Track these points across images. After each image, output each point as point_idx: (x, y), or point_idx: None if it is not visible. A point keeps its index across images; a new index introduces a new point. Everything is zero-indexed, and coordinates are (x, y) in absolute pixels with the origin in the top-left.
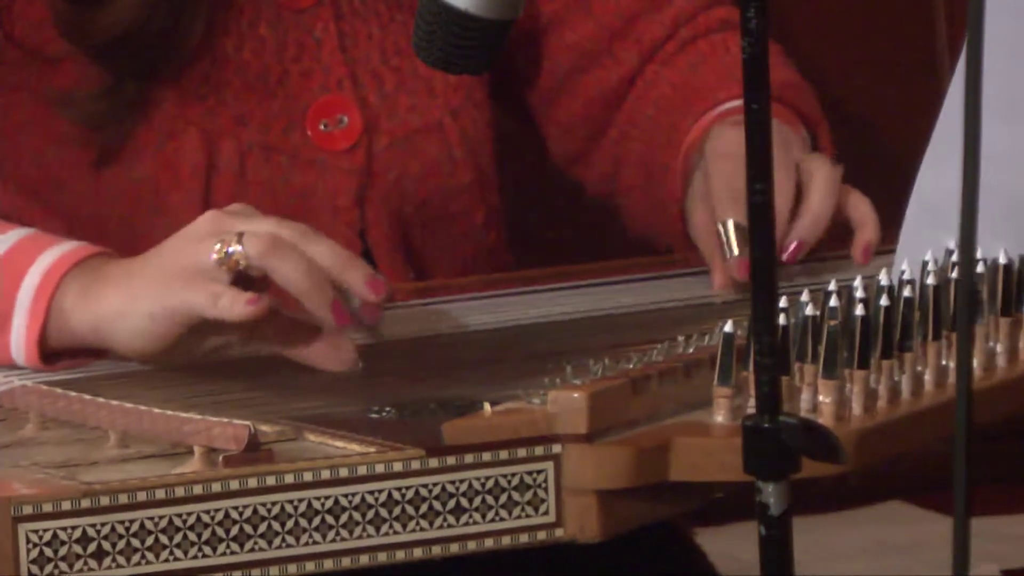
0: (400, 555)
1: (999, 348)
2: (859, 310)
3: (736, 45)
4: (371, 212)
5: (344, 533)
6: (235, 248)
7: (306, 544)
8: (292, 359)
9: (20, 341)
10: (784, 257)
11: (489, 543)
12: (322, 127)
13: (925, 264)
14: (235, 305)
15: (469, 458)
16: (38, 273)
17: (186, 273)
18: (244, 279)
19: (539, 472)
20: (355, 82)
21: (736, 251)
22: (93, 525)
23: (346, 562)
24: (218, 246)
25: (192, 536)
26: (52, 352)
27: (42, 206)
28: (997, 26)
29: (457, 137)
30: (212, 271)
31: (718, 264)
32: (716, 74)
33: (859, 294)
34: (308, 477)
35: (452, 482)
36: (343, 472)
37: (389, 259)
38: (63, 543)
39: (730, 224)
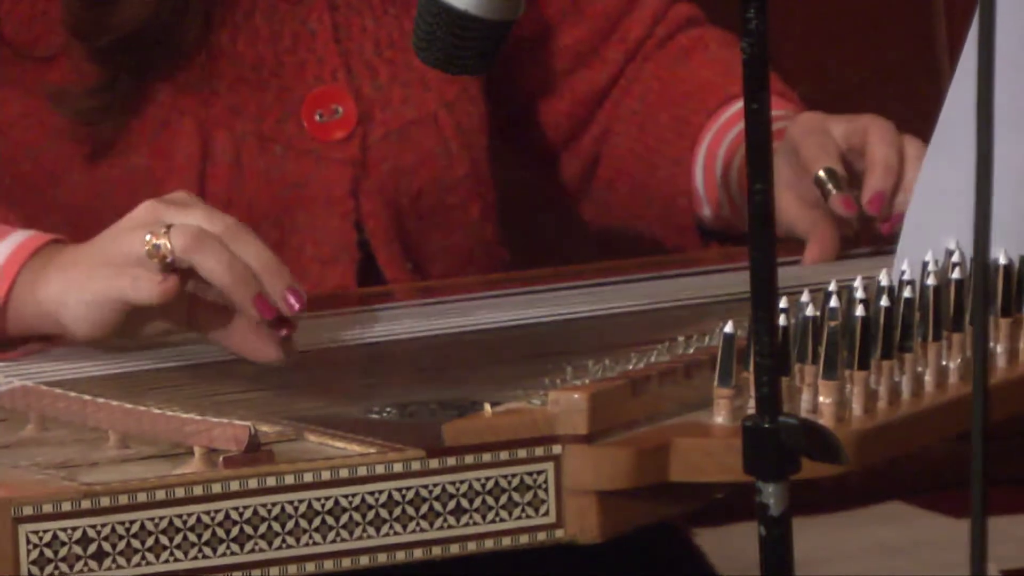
0: (400, 556)
1: (999, 349)
2: (859, 311)
3: (714, 41)
4: (366, 203)
5: (344, 534)
6: (162, 241)
7: (306, 545)
8: (224, 348)
9: None
10: (872, 212)
11: (489, 544)
12: (317, 117)
13: (925, 265)
14: (151, 287)
15: (469, 459)
16: None
17: (116, 261)
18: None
19: (539, 473)
20: (349, 73)
21: (837, 191)
22: (93, 526)
23: (346, 563)
24: (148, 237)
25: (192, 537)
26: (7, 340)
27: (37, 199)
28: (1002, 32)
29: (452, 130)
30: (142, 261)
31: (816, 236)
32: (711, 69)
33: (859, 295)
34: (308, 478)
35: (452, 483)
36: (343, 473)
37: (387, 250)
38: (63, 544)
39: (824, 172)
